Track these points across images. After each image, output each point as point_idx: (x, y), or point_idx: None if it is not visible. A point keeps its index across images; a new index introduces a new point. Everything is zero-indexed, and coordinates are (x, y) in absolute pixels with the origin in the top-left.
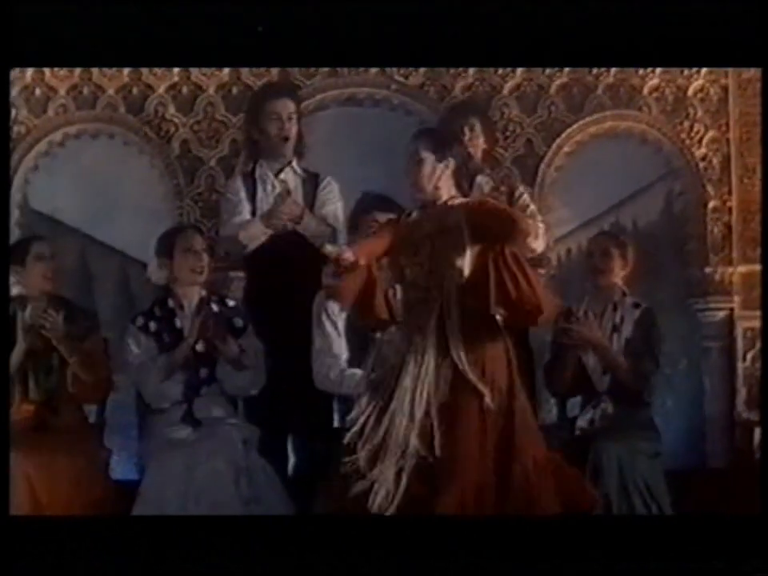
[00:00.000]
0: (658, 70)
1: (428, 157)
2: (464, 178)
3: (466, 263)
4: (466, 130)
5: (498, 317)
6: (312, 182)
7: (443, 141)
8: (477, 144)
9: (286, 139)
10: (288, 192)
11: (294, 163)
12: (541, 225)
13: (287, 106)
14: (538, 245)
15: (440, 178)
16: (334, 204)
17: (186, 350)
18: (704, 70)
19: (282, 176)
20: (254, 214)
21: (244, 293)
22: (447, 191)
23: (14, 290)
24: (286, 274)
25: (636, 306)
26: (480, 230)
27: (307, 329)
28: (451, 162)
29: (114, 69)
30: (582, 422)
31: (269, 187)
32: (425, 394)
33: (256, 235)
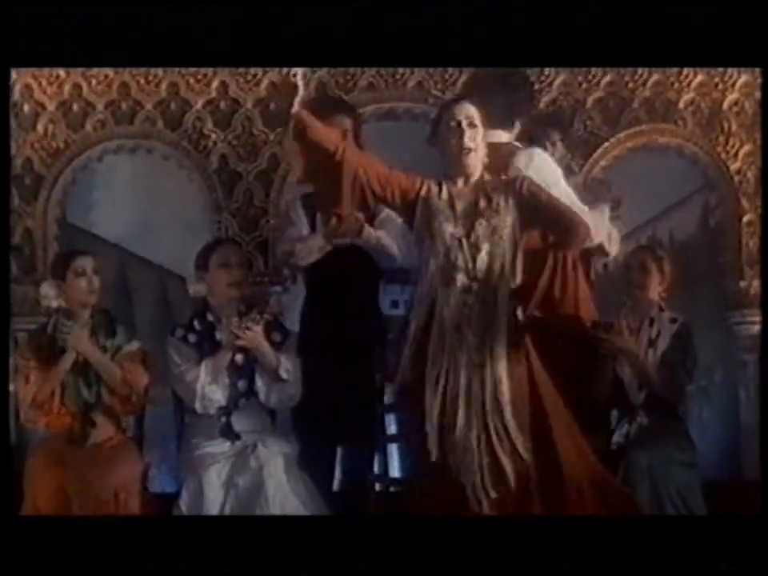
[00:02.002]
0: (694, 83)
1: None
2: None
3: (518, 260)
4: (548, 145)
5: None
6: None
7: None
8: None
9: None
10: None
11: None
12: (615, 231)
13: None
14: (612, 249)
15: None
16: (388, 226)
17: (229, 348)
18: (739, 83)
19: None
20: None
21: (303, 305)
22: (480, 168)
23: (54, 303)
24: (344, 286)
25: (673, 320)
26: (526, 213)
27: (360, 341)
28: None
29: (152, 85)
30: (617, 437)
31: None
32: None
33: (314, 249)
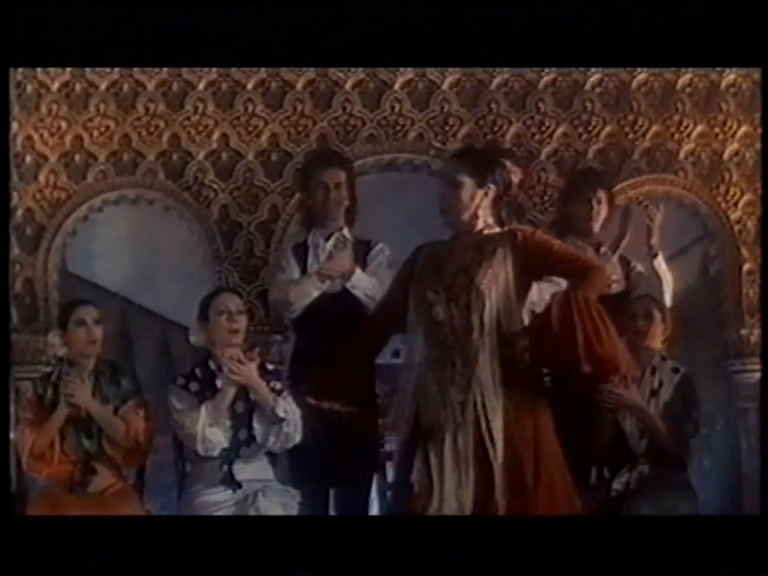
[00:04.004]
0: (694, 133)
1: (466, 181)
2: (504, 207)
3: (517, 312)
4: (594, 203)
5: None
6: (363, 248)
7: (484, 165)
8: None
9: (335, 206)
10: (341, 244)
11: (345, 231)
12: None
13: (335, 175)
14: (667, 300)
15: (479, 206)
16: (380, 276)
17: (227, 387)
18: (739, 133)
19: (331, 241)
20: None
21: (293, 352)
22: (484, 220)
23: (60, 352)
24: (335, 333)
25: (675, 370)
26: (528, 265)
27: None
28: (492, 189)
29: (154, 136)
30: (617, 485)
31: (320, 252)
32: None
33: (307, 291)
